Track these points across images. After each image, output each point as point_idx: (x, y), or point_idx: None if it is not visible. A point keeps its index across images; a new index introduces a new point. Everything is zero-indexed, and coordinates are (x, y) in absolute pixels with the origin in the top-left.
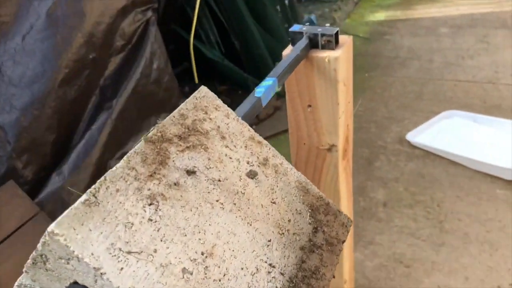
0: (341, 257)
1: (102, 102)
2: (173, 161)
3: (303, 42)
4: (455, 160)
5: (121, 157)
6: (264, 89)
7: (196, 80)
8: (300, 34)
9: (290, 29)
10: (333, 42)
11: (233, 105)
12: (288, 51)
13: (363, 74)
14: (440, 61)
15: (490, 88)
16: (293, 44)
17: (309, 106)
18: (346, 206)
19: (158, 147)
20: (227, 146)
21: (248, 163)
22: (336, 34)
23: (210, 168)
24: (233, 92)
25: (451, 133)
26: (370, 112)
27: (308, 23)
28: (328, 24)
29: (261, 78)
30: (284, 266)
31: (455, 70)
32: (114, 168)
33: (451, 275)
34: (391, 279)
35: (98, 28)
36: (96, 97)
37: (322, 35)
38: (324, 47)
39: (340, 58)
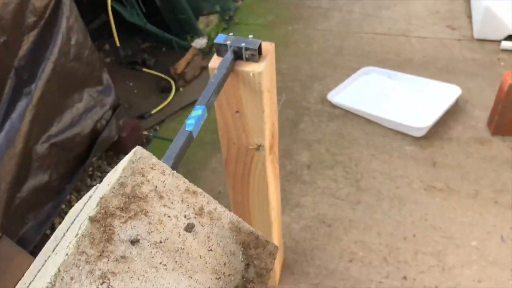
0: (270, 228)
1: (20, 87)
2: (118, 234)
3: (228, 58)
4: (371, 119)
5: (46, 141)
6: (195, 120)
7: (118, 43)
8: (224, 46)
9: (215, 41)
10: (256, 55)
11: (158, 63)
12: (215, 66)
13: (288, 27)
14: (359, 12)
15: (403, 41)
16: (219, 54)
17: (237, 112)
18: (274, 193)
19: (103, 224)
20: (165, 205)
21: (185, 217)
22: (259, 48)
23: (151, 232)
24: (157, 50)
25: (367, 92)
26: (294, 70)
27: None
28: None
29: (185, 35)
30: None
31: (373, 22)
32: (65, 257)
33: (366, 231)
34: (315, 239)
35: (6, 9)
36: (11, 80)
37: (246, 49)
38: (248, 60)
39: (263, 72)
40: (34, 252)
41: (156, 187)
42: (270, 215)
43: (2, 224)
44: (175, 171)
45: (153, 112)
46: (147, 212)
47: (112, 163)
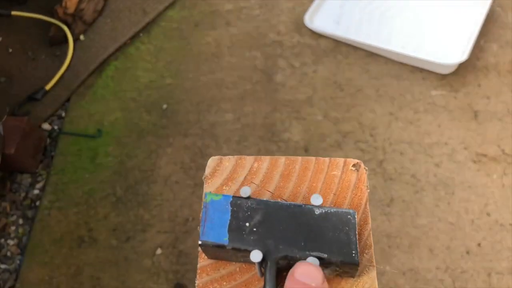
0: None
1: None
2: None
3: None
4: (373, 51)
5: None
6: None
7: None
8: (244, 254)
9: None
10: (355, 269)
11: None
12: None
13: None
14: None
15: None
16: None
17: None
18: None
19: None
20: None
21: None
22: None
23: None
24: None
25: (358, 3)
26: None
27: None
28: None
29: None
30: None
31: None
32: None
33: (413, 251)
34: None
35: None
36: None
37: (325, 263)
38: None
39: None
40: None
41: None
42: None
43: None
44: None
45: (48, 87)
46: None
47: (5, 190)
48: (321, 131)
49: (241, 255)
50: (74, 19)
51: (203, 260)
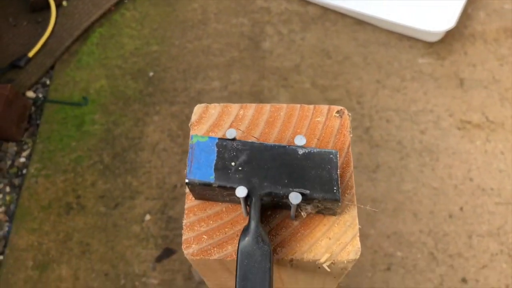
0: None
1: None
2: None
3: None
4: (361, 19)
5: None
6: None
7: None
8: (228, 191)
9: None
10: (336, 207)
11: None
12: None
13: None
14: None
15: None
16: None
17: None
18: None
19: None
20: None
21: None
22: (338, 190)
23: None
24: None
25: None
26: None
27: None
28: None
29: None
30: None
31: None
32: None
33: (398, 215)
34: None
35: None
36: None
37: (307, 199)
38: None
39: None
40: None
41: None
42: None
43: None
44: None
45: (31, 54)
46: None
47: None
48: (308, 99)
49: (227, 193)
50: None
51: (190, 201)
